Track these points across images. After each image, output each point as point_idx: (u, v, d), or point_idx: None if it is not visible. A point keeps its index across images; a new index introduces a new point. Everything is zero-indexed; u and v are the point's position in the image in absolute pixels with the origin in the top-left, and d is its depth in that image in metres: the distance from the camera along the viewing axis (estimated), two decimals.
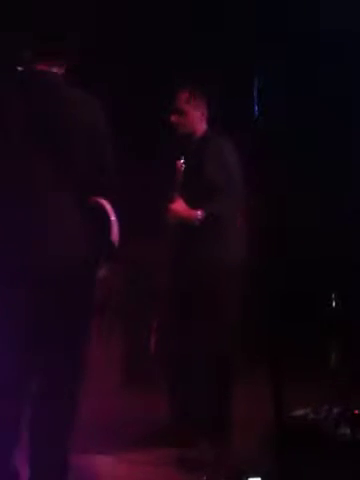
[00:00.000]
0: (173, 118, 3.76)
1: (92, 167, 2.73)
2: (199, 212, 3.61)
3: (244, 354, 3.88)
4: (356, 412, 3.74)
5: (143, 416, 4.14)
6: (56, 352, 2.73)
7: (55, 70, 2.80)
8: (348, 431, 3.54)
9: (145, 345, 4.37)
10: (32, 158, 2.64)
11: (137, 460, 3.49)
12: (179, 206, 3.64)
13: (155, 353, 4.03)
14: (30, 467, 2.72)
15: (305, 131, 5.10)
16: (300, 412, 3.80)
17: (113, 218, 2.75)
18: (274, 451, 3.31)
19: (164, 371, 3.99)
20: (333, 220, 5.24)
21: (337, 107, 5.06)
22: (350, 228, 5.19)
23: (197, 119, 3.78)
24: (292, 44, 4.89)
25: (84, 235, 2.68)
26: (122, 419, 4.16)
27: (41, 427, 2.72)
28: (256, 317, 3.72)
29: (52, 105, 2.71)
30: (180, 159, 3.69)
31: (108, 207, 2.75)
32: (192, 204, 3.65)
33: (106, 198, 2.77)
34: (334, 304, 4.46)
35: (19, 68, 2.78)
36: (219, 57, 4.93)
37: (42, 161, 2.64)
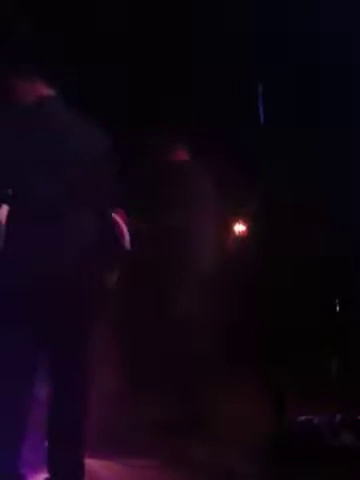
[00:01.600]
0: None
1: (99, 184, 2.87)
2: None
3: (248, 356, 3.89)
4: (359, 418, 3.74)
5: (140, 418, 4.14)
6: (69, 356, 2.84)
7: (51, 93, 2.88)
8: (350, 437, 3.54)
9: (143, 347, 4.40)
10: (46, 180, 2.75)
11: (134, 463, 3.50)
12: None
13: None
14: (48, 468, 2.83)
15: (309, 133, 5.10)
16: (303, 418, 3.80)
17: (125, 229, 2.98)
18: (275, 455, 3.31)
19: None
20: (339, 221, 5.23)
21: (339, 114, 5.07)
22: (355, 230, 5.19)
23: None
24: (296, 46, 4.89)
25: (99, 246, 2.84)
26: (120, 421, 4.16)
27: (57, 429, 2.83)
28: (260, 321, 3.72)
29: (58, 130, 2.81)
30: None
31: (119, 219, 2.98)
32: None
33: (115, 211, 2.99)
34: (338, 309, 4.46)
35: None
36: (223, 61, 4.94)
37: (56, 183, 2.76)
